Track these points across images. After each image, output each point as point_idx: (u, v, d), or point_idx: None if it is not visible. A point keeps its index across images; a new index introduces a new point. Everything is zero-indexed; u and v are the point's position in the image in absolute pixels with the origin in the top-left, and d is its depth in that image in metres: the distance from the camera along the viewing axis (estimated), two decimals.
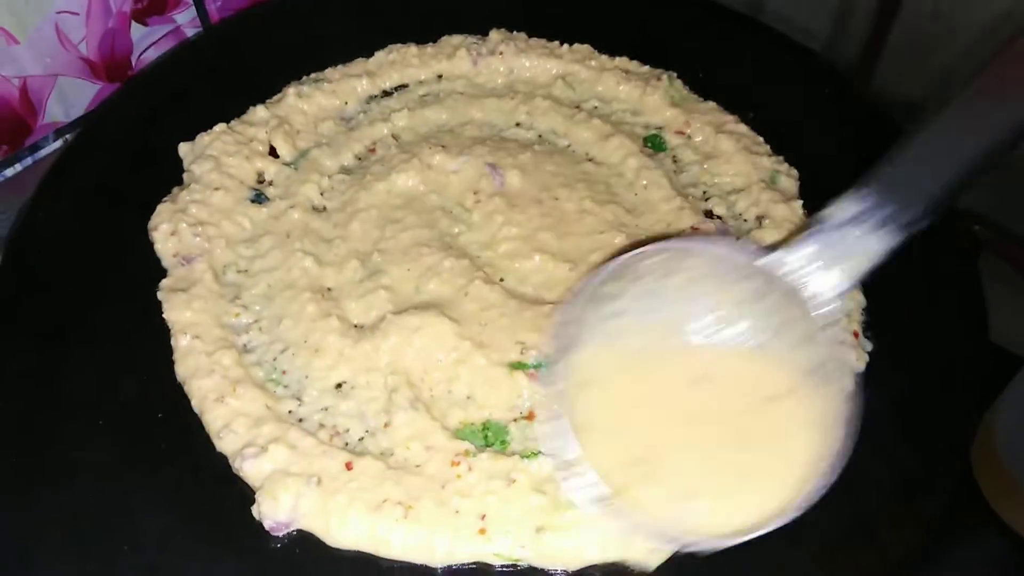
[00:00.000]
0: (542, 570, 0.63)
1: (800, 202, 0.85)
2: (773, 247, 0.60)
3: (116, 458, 0.66)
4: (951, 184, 0.56)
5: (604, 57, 0.99)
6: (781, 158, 0.90)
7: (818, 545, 0.63)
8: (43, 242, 0.79)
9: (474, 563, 0.63)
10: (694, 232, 0.82)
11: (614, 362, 0.60)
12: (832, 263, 0.58)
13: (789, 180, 0.87)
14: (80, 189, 0.84)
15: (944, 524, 0.75)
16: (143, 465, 0.66)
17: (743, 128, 0.92)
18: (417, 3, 1.04)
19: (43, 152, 1.00)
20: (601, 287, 0.61)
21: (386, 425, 0.69)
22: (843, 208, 0.58)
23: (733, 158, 0.89)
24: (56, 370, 0.70)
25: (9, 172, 0.98)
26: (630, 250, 0.62)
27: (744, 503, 0.55)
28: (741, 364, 0.59)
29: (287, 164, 0.89)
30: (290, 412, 0.70)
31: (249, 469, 0.65)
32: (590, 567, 0.63)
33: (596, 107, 0.95)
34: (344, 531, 0.63)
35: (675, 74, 0.97)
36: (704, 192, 0.88)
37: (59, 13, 0.92)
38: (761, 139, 0.91)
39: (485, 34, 1.01)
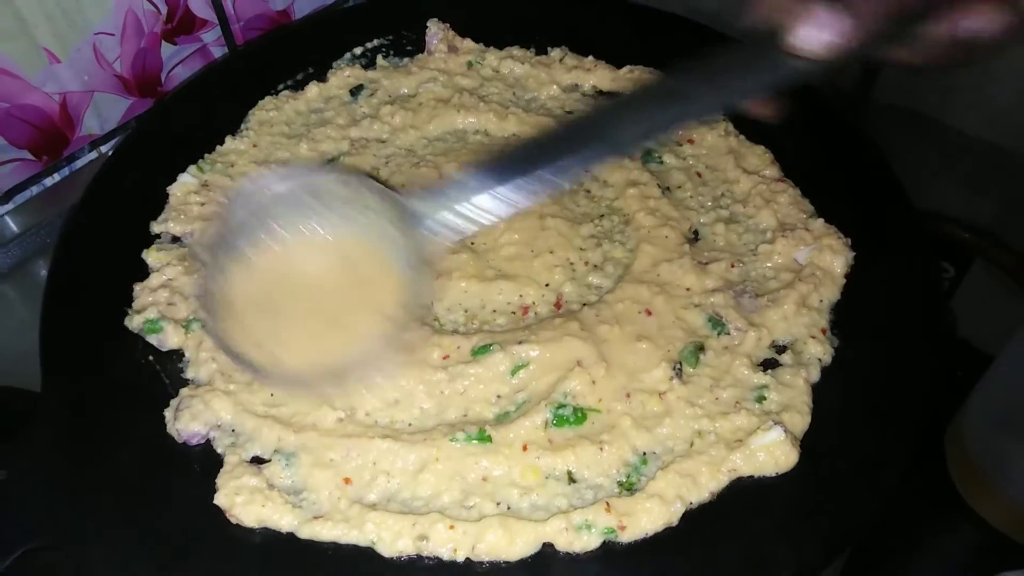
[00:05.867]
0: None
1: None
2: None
3: (153, 435, 0.72)
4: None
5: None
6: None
7: (783, 515, 0.68)
8: (89, 244, 0.84)
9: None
10: None
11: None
12: None
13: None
14: (122, 196, 0.89)
15: (919, 515, 0.81)
16: (176, 443, 0.71)
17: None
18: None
19: (79, 163, 1.04)
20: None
21: None
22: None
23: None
24: (103, 360, 0.76)
25: (48, 182, 1.03)
26: None
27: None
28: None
29: None
30: None
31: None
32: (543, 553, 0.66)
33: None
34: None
35: None
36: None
37: (97, 34, 0.97)
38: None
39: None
